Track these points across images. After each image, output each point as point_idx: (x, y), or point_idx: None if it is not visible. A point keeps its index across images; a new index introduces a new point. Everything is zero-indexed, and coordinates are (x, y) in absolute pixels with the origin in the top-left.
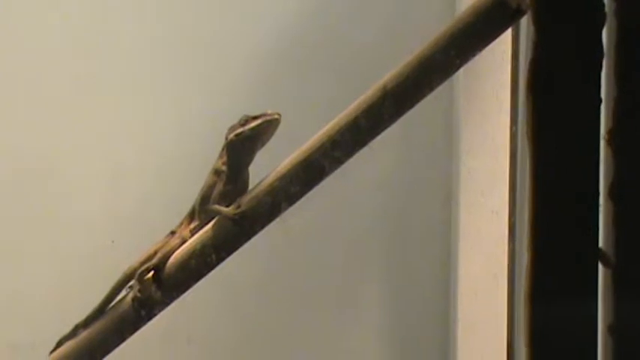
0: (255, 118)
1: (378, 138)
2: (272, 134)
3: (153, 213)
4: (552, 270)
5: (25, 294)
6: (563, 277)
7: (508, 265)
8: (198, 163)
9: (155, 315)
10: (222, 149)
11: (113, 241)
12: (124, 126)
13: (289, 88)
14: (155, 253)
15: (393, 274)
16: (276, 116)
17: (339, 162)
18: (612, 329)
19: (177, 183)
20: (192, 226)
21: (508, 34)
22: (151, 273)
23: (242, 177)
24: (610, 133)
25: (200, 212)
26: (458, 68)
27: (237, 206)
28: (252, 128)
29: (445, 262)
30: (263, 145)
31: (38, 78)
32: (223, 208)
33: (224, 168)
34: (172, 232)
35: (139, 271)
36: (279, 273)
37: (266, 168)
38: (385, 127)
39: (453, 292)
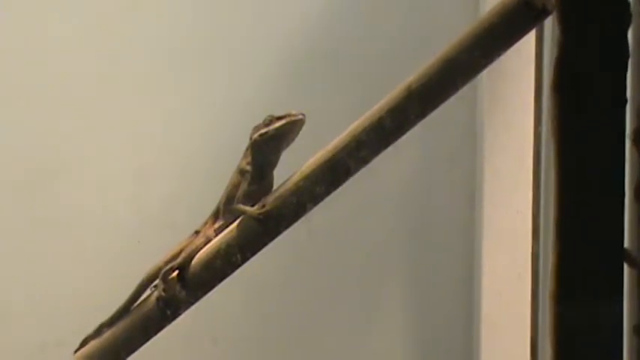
0: (279, 118)
1: (403, 138)
2: (296, 135)
3: (179, 213)
4: (578, 270)
5: (51, 293)
6: (589, 277)
7: (532, 265)
8: (223, 162)
9: (180, 314)
10: (247, 149)
11: (139, 242)
12: (148, 126)
13: (314, 87)
14: (179, 252)
15: (417, 274)
16: (300, 117)
17: (364, 162)
18: (638, 329)
19: (203, 183)
20: (216, 225)
21: (532, 34)
22: (176, 272)
23: (267, 177)
24: (635, 133)
25: (225, 212)
26: (483, 69)
27: (261, 206)
28: (277, 128)
29: (469, 262)
30: (288, 145)
31: (61, 77)
32: (248, 208)
33: (249, 168)
34: (197, 232)
35: (164, 270)
36: (304, 273)
37: (291, 168)
38: (410, 127)
39: (477, 291)
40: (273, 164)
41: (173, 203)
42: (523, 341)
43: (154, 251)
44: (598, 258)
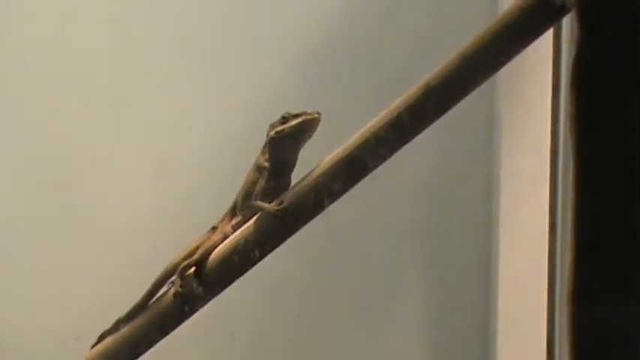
0: (295, 116)
1: (420, 135)
2: (312, 133)
3: (197, 209)
4: (596, 270)
5: (69, 289)
6: (607, 277)
7: (549, 263)
8: (241, 158)
9: (197, 310)
10: (264, 146)
11: (158, 238)
12: (166, 122)
13: (333, 84)
14: (196, 248)
15: (434, 271)
16: (316, 115)
17: (382, 159)
18: None
19: (221, 179)
20: (234, 221)
21: (550, 31)
22: (193, 269)
23: (285, 174)
24: None
25: (242, 208)
26: (501, 66)
27: (279, 202)
28: (292, 126)
29: (486, 260)
30: (304, 143)
31: (80, 73)
32: (266, 205)
33: (266, 164)
34: (214, 228)
35: (181, 267)
36: (321, 269)
37: (309, 164)
38: (428, 124)
39: (494, 289)
40: (290, 163)
41: (191, 199)
42: (540, 339)
43: (172, 247)
44: (617, 257)
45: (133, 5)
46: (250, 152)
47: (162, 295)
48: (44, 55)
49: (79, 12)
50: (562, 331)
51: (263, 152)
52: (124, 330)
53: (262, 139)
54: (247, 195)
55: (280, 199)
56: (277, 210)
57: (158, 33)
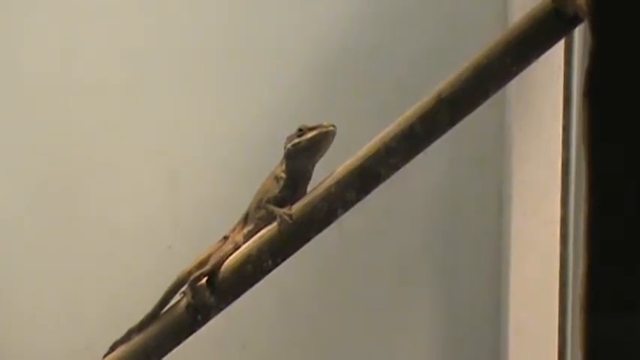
0: (311, 129)
1: (432, 145)
2: (328, 146)
3: (210, 218)
4: (609, 281)
5: (80, 297)
6: (620, 288)
7: (560, 272)
8: (254, 167)
9: (210, 319)
10: (283, 158)
11: (170, 246)
12: (180, 130)
13: (345, 94)
14: (208, 258)
15: (445, 281)
16: (331, 128)
17: (394, 168)
18: None
19: (234, 187)
20: (245, 231)
21: (561, 42)
22: (204, 279)
23: (300, 185)
24: None
25: (254, 217)
26: (513, 76)
27: (289, 208)
28: (309, 139)
29: (497, 269)
30: (321, 155)
31: (95, 80)
32: (276, 208)
33: (283, 175)
34: (225, 237)
35: (193, 277)
36: (334, 278)
37: (321, 173)
38: (440, 135)
39: (505, 298)
40: (307, 174)
41: (204, 208)
42: (551, 349)
43: (185, 254)
44: (629, 268)
45: (147, 10)
46: (262, 161)
47: (174, 305)
48: (57, 59)
49: (92, 15)
50: (574, 342)
51: (281, 164)
52: (136, 339)
53: (274, 148)
54: (260, 204)
55: (290, 206)
56: (286, 213)
57: (172, 39)
